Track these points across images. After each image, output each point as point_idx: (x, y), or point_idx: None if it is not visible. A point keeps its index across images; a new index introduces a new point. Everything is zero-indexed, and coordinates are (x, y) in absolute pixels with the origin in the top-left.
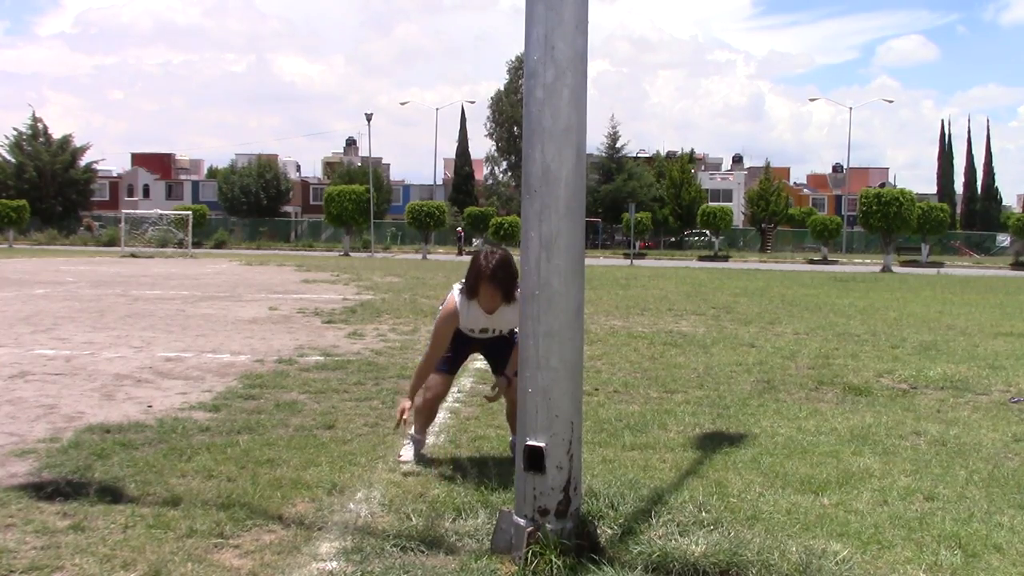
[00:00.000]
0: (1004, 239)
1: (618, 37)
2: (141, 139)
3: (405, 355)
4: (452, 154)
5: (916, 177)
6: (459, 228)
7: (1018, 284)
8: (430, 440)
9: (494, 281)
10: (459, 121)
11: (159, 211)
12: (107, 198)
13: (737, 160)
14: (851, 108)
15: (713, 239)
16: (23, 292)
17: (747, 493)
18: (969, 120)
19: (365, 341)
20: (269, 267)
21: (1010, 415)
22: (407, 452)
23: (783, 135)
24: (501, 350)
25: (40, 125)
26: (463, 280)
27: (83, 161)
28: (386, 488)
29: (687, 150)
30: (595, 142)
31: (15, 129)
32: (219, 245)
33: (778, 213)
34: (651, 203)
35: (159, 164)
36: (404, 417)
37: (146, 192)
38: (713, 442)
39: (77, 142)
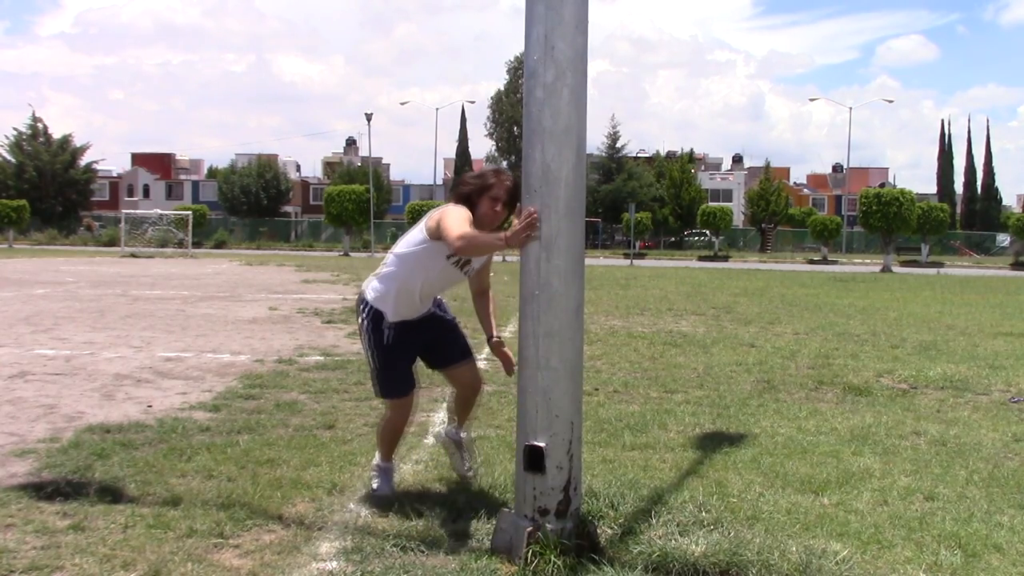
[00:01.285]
0: (1004, 239)
1: (618, 37)
2: (141, 139)
3: None
4: (452, 154)
5: (916, 177)
6: None
7: (1018, 284)
8: (429, 440)
9: (508, 193)
10: (459, 121)
11: (159, 211)
12: (107, 198)
13: (737, 160)
14: (851, 108)
15: (713, 239)
16: (23, 292)
17: (747, 493)
18: (969, 120)
19: None
20: (269, 267)
21: (1010, 415)
22: (381, 485)
23: (783, 135)
24: (440, 334)
25: (40, 125)
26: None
27: (83, 161)
28: None
29: (687, 150)
30: (595, 142)
31: (15, 129)
32: (219, 245)
33: (778, 213)
34: (651, 203)
35: (159, 164)
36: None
37: (146, 192)
38: (713, 442)
39: (77, 142)
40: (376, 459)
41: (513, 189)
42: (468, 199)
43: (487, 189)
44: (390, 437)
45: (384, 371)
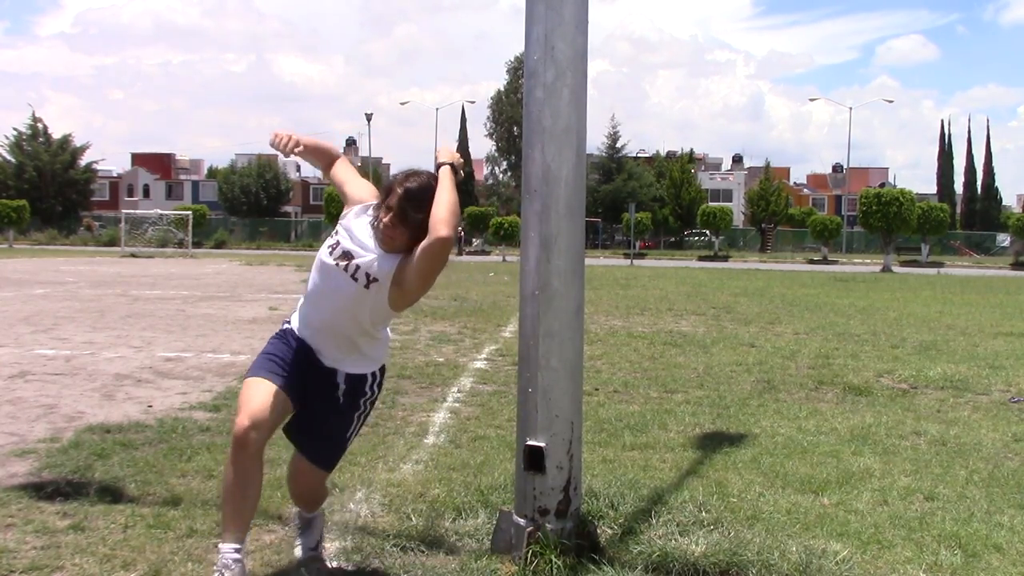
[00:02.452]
0: (1004, 239)
1: (618, 37)
2: (141, 139)
3: (405, 355)
4: None
5: (916, 177)
6: (459, 228)
7: (1018, 284)
8: (429, 440)
9: (398, 201)
10: (459, 121)
11: (159, 211)
12: (107, 198)
13: (737, 160)
14: (851, 108)
15: (713, 239)
16: (23, 292)
17: (747, 493)
18: (969, 120)
19: None
20: (269, 267)
21: (1010, 415)
22: None
23: (783, 135)
24: (315, 411)
25: (40, 125)
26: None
27: (83, 161)
28: (386, 488)
29: (687, 150)
30: (595, 142)
31: (15, 129)
32: (219, 245)
33: (778, 213)
34: (651, 203)
35: (159, 164)
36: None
37: (146, 192)
38: (713, 442)
39: (77, 142)
40: (221, 546)
41: (405, 197)
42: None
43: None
44: (225, 489)
45: (261, 353)
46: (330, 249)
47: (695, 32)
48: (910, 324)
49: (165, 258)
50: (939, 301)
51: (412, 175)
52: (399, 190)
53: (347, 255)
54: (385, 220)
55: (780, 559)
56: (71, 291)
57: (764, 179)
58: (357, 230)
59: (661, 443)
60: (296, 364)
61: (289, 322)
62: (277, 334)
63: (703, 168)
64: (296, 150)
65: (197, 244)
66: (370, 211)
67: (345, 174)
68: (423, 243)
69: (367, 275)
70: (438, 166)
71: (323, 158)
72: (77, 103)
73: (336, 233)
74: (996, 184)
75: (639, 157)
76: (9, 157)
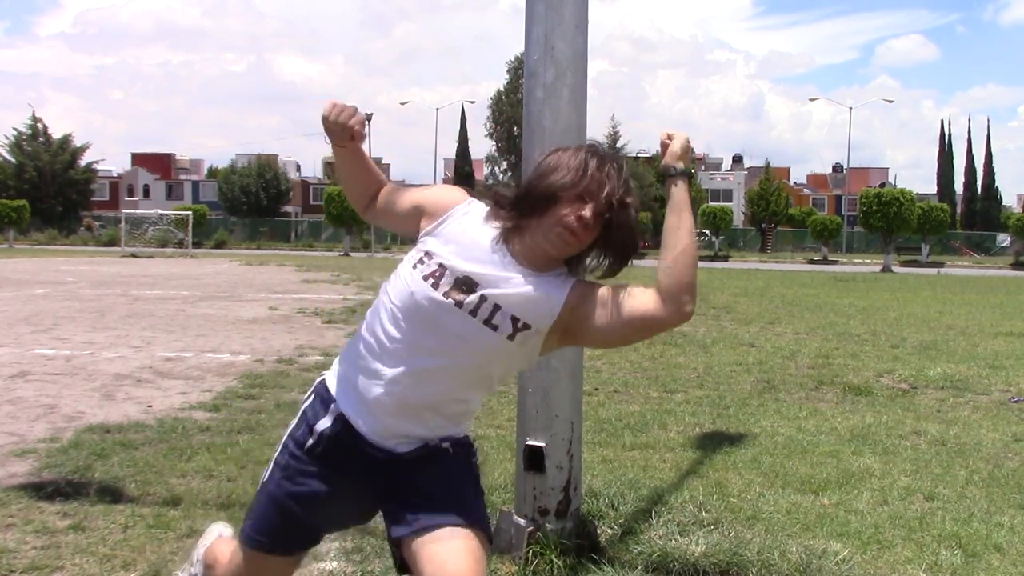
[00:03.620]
0: (1004, 239)
1: (618, 37)
2: (141, 139)
3: None
4: (452, 154)
5: (916, 177)
6: None
7: (1018, 284)
8: None
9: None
10: (459, 121)
11: (159, 211)
12: (107, 198)
13: (737, 160)
14: (851, 108)
15: (713, 239)
16: (23, 292)
17: (747, 493)
18: (969, 120)
19: None
20: (269, 267)
21: (1010, 415)
22: None
23: (783, 135)
24: (422, 480)
25: (40, 125)
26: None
27: (83, 161)
28: None
29: None
30: None
31: (15, 129)
32: (219, 245)
33: (778, 213)
34: (651, 203)
35: (159, 164)
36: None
37: (146, 192)
38: (713, 442)
39: (77, 142)
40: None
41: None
42: (526, 212)
43: (566, 188)
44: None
45: (259, 498)
46: (428, 276)
47: (695, 32)
48: (910, 324)
49: (165, 258)
50: (939, 301)
51: (623, 174)
52: (621, 196)
53: (466, 284)
54: (577, 228)
55: (780, 559)
56: (71, 291)
57: (764, 179)
58: (476, 240)
59: (661, 443)
60: (320, 513)
61: (328, 397)
62: (286, 459)
63: (703, 168)
64: (359, 139)
65: (197, 244)
66: (489, 213)
67: (406, 193)
68: (656, 306)
69: (513, 319)
70: (673, 171)
71: (370, 174)
72: (77, 103)
73: (431, 255)
74: (996, 184)
75: (639, 157)
76: (9, 157)
